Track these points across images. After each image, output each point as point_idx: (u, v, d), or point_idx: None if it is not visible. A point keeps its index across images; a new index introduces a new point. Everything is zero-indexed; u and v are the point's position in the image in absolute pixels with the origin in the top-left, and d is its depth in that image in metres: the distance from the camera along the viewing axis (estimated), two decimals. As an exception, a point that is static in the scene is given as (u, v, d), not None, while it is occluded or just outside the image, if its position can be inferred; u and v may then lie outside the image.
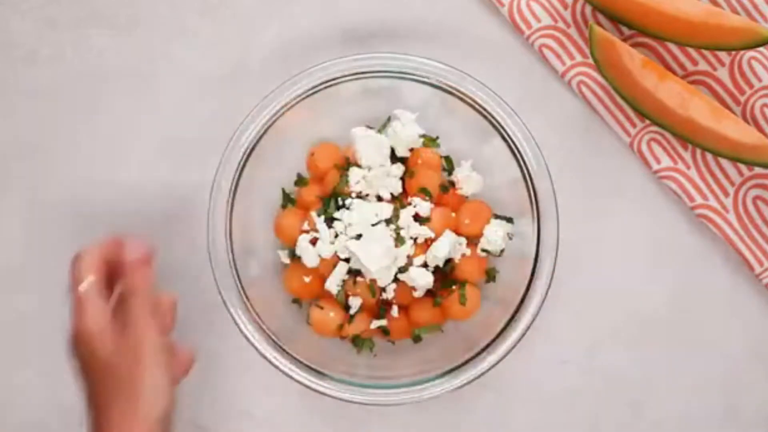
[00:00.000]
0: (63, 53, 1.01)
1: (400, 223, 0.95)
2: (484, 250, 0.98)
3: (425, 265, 0.96)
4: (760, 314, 1.02)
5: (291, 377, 0.95)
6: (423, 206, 0.96)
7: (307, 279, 0.97)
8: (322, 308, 0.97)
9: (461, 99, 0.95)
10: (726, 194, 1.01)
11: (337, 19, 1.01)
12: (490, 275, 0.99)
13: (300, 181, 0.99)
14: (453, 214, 0.98)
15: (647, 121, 1.00)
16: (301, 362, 0.95)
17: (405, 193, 0.98)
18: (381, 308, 0.98)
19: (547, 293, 0.95)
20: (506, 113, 0.95)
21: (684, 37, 0.97)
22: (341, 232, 0.95)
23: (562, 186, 1.01)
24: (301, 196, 0.98)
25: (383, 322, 0.97)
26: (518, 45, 1.01)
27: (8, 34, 1.01)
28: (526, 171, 0.95)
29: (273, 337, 0.95)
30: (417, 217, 0.96)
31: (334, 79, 0.94)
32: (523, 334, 0.95)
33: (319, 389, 0.95)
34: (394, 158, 0.98)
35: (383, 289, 0.96)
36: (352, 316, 0.97)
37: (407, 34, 1.01)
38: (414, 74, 0.95)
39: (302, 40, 1.01)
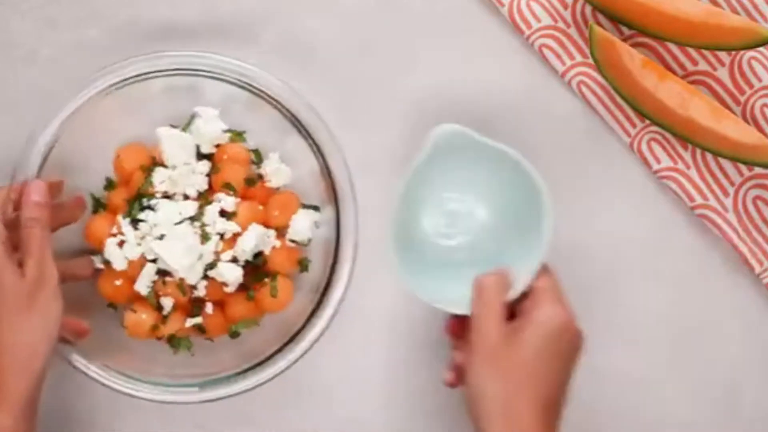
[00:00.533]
0: (63, 53, 1.01)
1: (205, 219, 0.96)
2: (292, 241, 0.98)
3: (235, 260, 0.96)
4: (760, 314, 1.02)
5: (106, 385, 0.95)
6: (228, 201, 0.96)
7: (118, 282, 0.97)
8: (135, 311, 0.97)
9: (260, 96, 0.96)
10: (726, 194, 1.01)
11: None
12: (303, 265, 0.99)
13: (109, 185, 0.99)
14: (260, 207, 0.98)
15: (647, 121, 1.00)
16: (110, 368, 0.95)
17: (212, 189, 0.98)
18: (195, 306, 0.98)
19: (350, 278, 0.95)
20: (304, 109, 0.95)
21: (684, 37, 0.97)
22: (147, 234, 0.95)
23: (562, 186, 1.01)
24: (110, 200, 0.98)
25: (198, 320, 0.97)
26: (518, 45, 1.01)
27: (8, 34, 1.01)
28: (324, 164, 0.95)
29: (84, 347, 0.95)
30: (224, 213, 0.97)
31: (126, 79, 0.95)
32: (331, 320, 0.95)
33: (133, 393, 0.95)
34: (202, 155, 0.98)
35: (194, 287, 0.96)
36: (165, 317, 0.97)
37: (412, 35, 1.01)
38: (214, 72, 0.95)
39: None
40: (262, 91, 0.95)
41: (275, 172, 0.98)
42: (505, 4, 1.00)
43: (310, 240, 0.98)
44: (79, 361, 0.95)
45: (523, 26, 1.00)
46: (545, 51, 1.01)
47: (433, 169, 0.94)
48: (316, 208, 0.98)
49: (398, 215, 0.93)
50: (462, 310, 0.92)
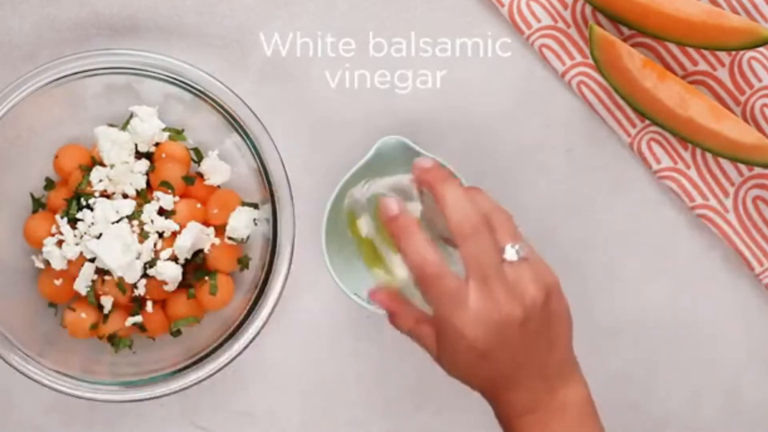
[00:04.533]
0: (63, 53, 1.01)
1: (143, 218, 0.96)
2: (230, 238, 0.98)
3: (175, 259, 0.96)
4: (760, 314, 1.02)
5: (48, 386, 0.95)
6: (166, 199, 0.97)
7: (58, 282, 0.97)
8: (74, 310, 0.97)
9: (199, 96, 0.96)
10: (726, 194, 1.01)
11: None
12: (243, 263, 0.99)
13: (49, 184, 1.00)
14: (200, 205, 0.98)
15: (647, 121, 1.00)
16: (51, 369, 0.95)
17: (152, 188, 0.98)
18: (136, 305, 0.98)
19: (288, 274, 0.95)
20: (241, 110, 0.95)
21: (684, 37, 0.97)
22: (85, 233, 0.95)
23: (562, 186, 1.01)
24: (50, 199, 0.98)
25: (138, 319, 0.97)
26: (518, 45, 1.01)
27: (8, 34, 1.01)
28: (260, 164, 0.96)
29: (21, 347, 0.95)
30: (163, 211, 0.97)
31: (65, 77, 0.95)
32: (269, 316, 0.95)
33: (76, 393, 0.95)
34: (141, 154, 0.99)
35: (134, 286, 0.96)
36: (106, 316, 0.97)
37: (411, 35, 1.01)
38: (153, 71, 0.95)
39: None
40: (200, 91, 0.96)
41: (214, 170, 0.99)
42: (505, 4, 1.00)
43: (248, 237, 0.98)
44: (18, 362, 0.95)
45: (523, 26, 1.00)
46: (545, 51, 1.01)
47: (377, 178, 0.97)
48: (255, 206, 0.99)
49: (334, 216, 0.96)
50: (381, 311, 0.95)
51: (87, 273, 0.96)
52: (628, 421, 1.02)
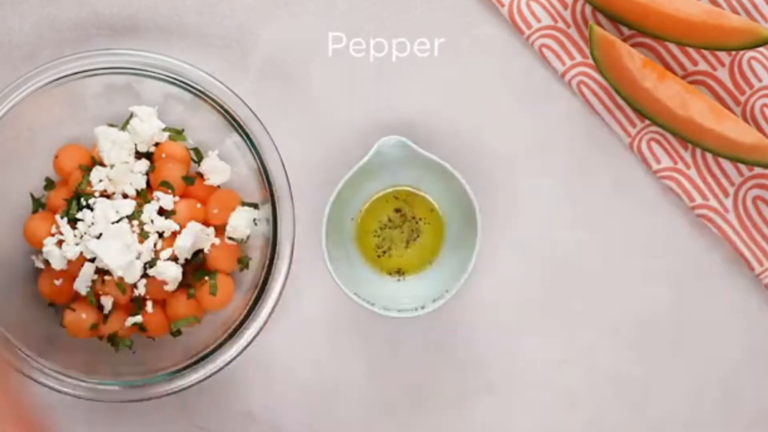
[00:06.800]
0: (63, 53, 1.01)
1: (143, 218, 0.96)
2: (230, 238, 0.98)
3: (175, 259, 0.96)
4: (760, 314, 1.02)
5: (48, 386, 0.95)
6: (166, 199, 0.97)
7: (58, 282, 0.97)
8: (74, 310, 0.97)
9: (199, 96, 0.96)
10: (726, 194, 1.01)
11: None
12: (243, 263, 0.99)
13: (49, 185, 1.00)
14: (199, 205, 0.98)
15: (647, 121, 1.00)
16: (51, 369, 0.95)
17: (152, 188, 0.98)
18: (136, 305, 0.98)
19: (288, 274, 0.95)
20: (241, 110, 0.95)
21: (684, 37, 0.97)
22: (85, 233, 0.95)
23: (562, 186, 1.01)
24: (50, 199, 0.98)
25: (138, 319, 0.97)
26: (518, 45, 1.01)
27: (8, 34, 1.01)
28: (260, 164, 0.96)
29: (21, 347, 0.95)
30: (163, 211, 0.97)
31: (65, 77, 0.95)
32: (269, 316, 0.96)
33: (76, 393, 0.95)
34: (141, 154, 0.99)
35: (134, 286, 0.96)
36: (106, 316, 0.97)
37: (411, 33, 1.01)
38: (153, 71, 0.96)
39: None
40: (200, 91, 0.96)
41: (214, 170, 0.99)
42: (505, 4, 1.00)
43: (248, 237, 0.98)
44: (18, 362, 0.95)
45: (523, 26, 1.00)
46: (545, 51, 1.01)
47: (378, 178, 0.98)
48: (255, 206, 0.99)
49: (334, 216, 0.96)
50: (382, 311, 0.96)
51: (87, 273, 0.96)
52: (628, 421, 1.02)
